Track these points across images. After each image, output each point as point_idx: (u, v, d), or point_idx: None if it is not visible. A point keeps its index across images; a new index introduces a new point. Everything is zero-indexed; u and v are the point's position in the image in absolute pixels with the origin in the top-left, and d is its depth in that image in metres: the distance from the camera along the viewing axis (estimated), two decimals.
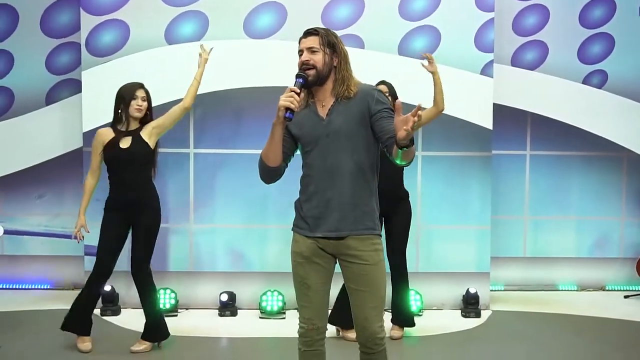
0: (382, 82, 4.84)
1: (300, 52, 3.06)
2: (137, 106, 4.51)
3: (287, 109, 2.89)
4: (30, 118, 6.09)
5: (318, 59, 3.00)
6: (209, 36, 5.58)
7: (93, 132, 5.53)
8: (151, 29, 5.58)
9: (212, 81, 5.56)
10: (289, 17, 5.61)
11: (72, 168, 5.98)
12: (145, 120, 4.58)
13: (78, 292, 4.65)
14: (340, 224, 2.99)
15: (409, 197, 4.92)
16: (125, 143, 4.49)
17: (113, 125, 4.58)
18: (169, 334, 4.69)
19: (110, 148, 4.49)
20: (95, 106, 5.56)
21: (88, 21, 5.55)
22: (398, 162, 2.79)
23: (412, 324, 4.97)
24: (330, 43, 3.03)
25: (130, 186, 4.51)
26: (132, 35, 5.57)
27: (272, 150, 3.00)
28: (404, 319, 4.94)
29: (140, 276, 4.61)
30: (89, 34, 5.56)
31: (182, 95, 4.69)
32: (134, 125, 4.56)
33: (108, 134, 4.55)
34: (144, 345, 4.60)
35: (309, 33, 3.07)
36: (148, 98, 4.58)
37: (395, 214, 4.81)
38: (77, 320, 4.57)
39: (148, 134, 4.53)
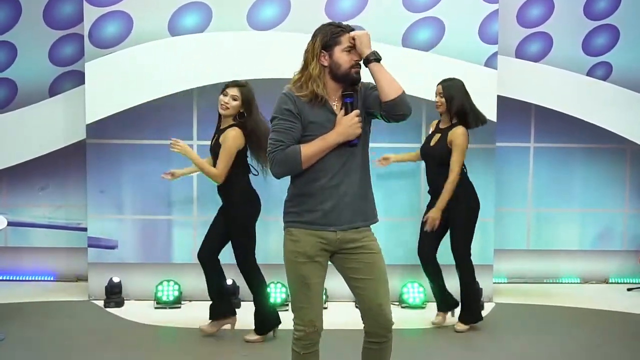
0: (440, 82, 4.94)
1: (349, 47, 3.03)
2: (222, 102, 4.52)
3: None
4: (33, 110, 6.09)
5: (349, 58, 3.04)
6: (212, 28, 5.57)
7: (96, 124, 5.58)
8: (154, 20, 5.56)
9: (216, 73, 5.55)
10: (292, 9, 5.59)
11: (76, 160, 5.98)
12: (242, 123, 4.53)
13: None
14: (355, 217, 3.04)
15: (466, 195, 4.90)
16: (214, 140, 4.60)
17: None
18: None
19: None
20: (98, 98, 5.56)
21: (91, 13, 5.54)
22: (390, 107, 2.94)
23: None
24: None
25: (219, 185, 4.61)
26: (135, 27, 5.56)
27: (316, 160, 2.98)
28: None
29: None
30: (92, 26, 5.55)
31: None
32: (225, 123, 4.57)
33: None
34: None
35: (340, 28, 3.07)
36: (243, 98, 4.51)
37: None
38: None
39: (223, 137, 4.51)
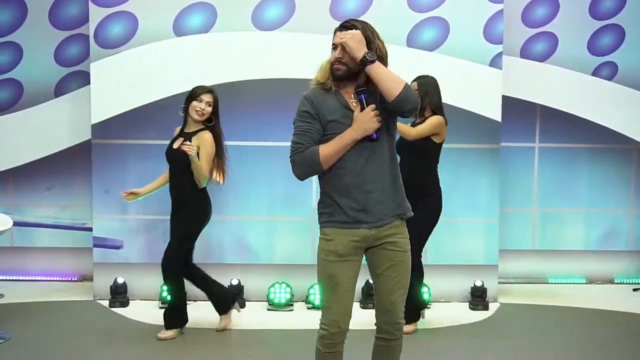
0: (415, 79, 4.85)
1: (334, 46, 3.01)
2: (198, 108, 4.59)
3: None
4: (39, 110, 6.11)
5: (349, 56, 2.96)
6: (216, 28, 5.58)
7: (102, 124, 5.59)
8: (159, 20, 5.57)
9: (221, 73, 5.56)
10: (297, 9, 5.59)
11: (81, 160, 5.99)
12: (210, 127, 4.65)
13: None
14: (387, 212, 3.04)
15: (433, 193, 4.86)
16: (177, 143, 4.61)
17: (183, 125, 4.71)
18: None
19: (168, 146, 4.65)
20: (104, 98, 5.58)
21: (96, 13, 5.55)
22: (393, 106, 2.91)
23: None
24: (368, 40, 2.96)
25: (173, 185, 4.71)
26: (140, 27, 5.57)
27: (336, 159, 2.98)
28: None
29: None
30: (98, 26, 5.56)
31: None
32: (192, 128, 4.65)
33: (176, 131, 4.69)
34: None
35: (345, 27, 3.01)
36: (215, 104, 4.64)
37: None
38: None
39: (196, 142, 4.58)
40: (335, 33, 3.04)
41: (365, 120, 2.94)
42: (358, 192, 2.99)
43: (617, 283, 6.44)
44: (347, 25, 3.01)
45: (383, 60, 2.99)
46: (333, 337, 3.05)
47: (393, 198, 3.06)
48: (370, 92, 2.98)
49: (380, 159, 3.02)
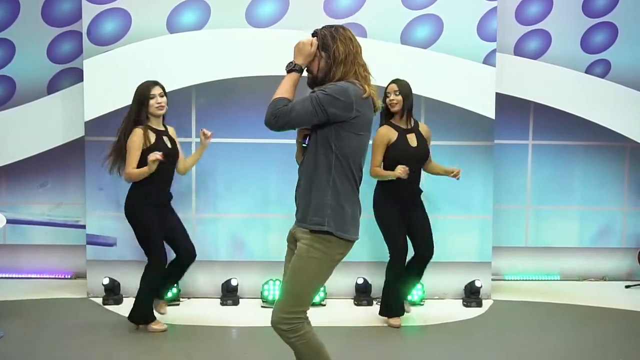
0: (394, 81, 4.88)
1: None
2: (157, 104, 4.60)
3: (305, 135, 3.09)
4: (32, 107, 6.08)
5: (314, 64, 3.08)
6: (210, 25, 5.57)
7: (95, 121, 5.57)
8: (153, 17, 5.56)
9: (214, 70, 5.55)
10: (291, 6, 5.58)
11: (74, 157, 5.98)
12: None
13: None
14: (299, 215, 3.18)
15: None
16: (168, 143, 4.69)
17: (141, 124, 4.61)
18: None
19: (161, 149, 4.57)
20: (97, 95, 5.56)
21: (89, 10, 5.54)
22: None
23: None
24: (325, 45, 3.05)
25: (170, 182, 4.77)
26: (133, 24, 5.55)
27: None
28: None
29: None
30: (91, 23, 5.54)
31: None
32: (157, 124, 4.68)
33: (149, 134, 4.61)
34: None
35: (312, 35, 3.12)
36: (165, 93, 4.69)
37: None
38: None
39: (174, 135, 4.81)
40: None
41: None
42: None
43: (610, 280, 6.45)
44: (312, 34, 3.13)
45: (341, 63, 3.03)
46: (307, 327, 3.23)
47: (302, 205, 3.10)
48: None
49: (307, 166, 3.08)
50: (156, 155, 4.41)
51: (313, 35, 3.12)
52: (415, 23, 5.65)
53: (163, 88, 4.68)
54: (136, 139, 4.53)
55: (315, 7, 5.56)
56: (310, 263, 3.04)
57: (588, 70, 6.32)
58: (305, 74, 3.13)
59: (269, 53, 5.55)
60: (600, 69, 6.32)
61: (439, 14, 5.64)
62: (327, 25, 3.14)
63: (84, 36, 5.56)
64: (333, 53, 3.02)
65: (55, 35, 6.05)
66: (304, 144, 3.10)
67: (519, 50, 6.26)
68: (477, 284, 5.59)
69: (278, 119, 2.95)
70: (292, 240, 3.22)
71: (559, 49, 6.27)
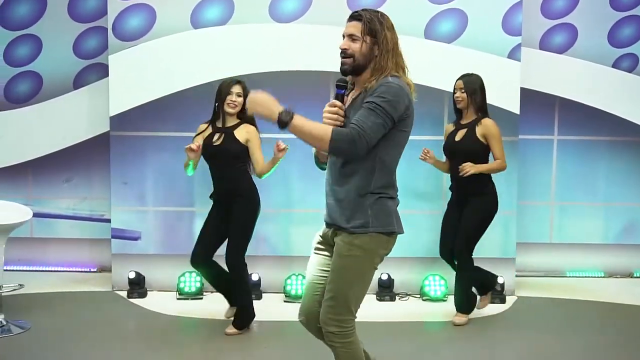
0: (461, 77, 4.92)
1: (343, 36, 2.93)
2: (230, 101, 4.59)
3: None
4: (58, 102, 6.15)
5: (356, 47, 2.86)
6: (234, 20, 5.59)
7: (120, 116, 5.62)
8: (177, 13, 5.59)
9: (238, 65, 5.56)
10: (314, 1, 5.58)
11: (100, 152, 6.03)
12: (249, 119, 4.64)
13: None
14: (332, 219, 3.01)
15: (487, 192, 4.95)
16: (218, 140, 4.61)
17: (212, 121, 4.68)
18: (254, 315, 4.81)
19: (205, 144, 4.61)
20: (122, 90, 5.61)
21: (115, 5, 5.58)
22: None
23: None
24: (373, 31, 2.84)
25: (225, 179, 4.66)
26: (158, 20, 5.59)
27: (308, 140, 2.86)
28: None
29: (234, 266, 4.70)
30: (116, 19, 5.59)
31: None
32: (230, 122, 4.64)
33: (206, 130, 4.66)
34: (233, 330, 4.69)
35: (352, 17, 2.90)
36: (244, 94, 4.58)
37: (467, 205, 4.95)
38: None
39: (242, 135, 4.62)
40: (346, 23, 2.96)
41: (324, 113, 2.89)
42: (326, 190, 3.03)
43: (637, 277, 6.38)
44: (354, 15, 2.92)
45: (389, 52, 2.87)
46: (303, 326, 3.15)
47: (336, 208, 2.94)
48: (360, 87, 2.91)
49: (344, 168, 2.90)
50: (189, 145, 4.51)
51: (356, 17, 2.90)
52: (439, 17, 5.61)
53: (244, 87, 4.62)
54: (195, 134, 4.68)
55: (338, 2, 5.54)
56: (354, 262, 2.90)
57: (615, 65, 6.23)
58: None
59: (292, 48, 5.55)
60: (628, 63, 6.24)
61: (464, 8, 5.59)
62: (368, 9, 2.94)
63: (110, 32, 5.60)
64: (382, 41, 2.84)
65: (81, 31, 6.11)
66: None
67: (544, 45, 6.19)
68: (500, 280, 5.54)
69: (356, 145, 2.73)
70: (324, 243, 3.06)
71: (586, 43, 6.19)
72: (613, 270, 6.41)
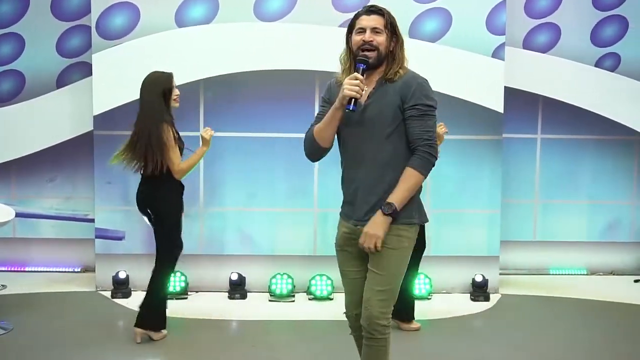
0: None
1: (361, 30, 2.95)
2: (175, 96, 4.53)
3: (352, 99, 2.81)
4: (41, 101, 6.10)
5: (381, 40, 2.94)
6: (219, 19, 5.57)
7: (103, 115, 5.59)
8: (161, 12, 5.56)
9: (223, 64, 5.55)
10: (299, 0, 5.57)
11: (83, 151, 5.99)
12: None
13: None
14: (367, 214, 2.94)
15: None
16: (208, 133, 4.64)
17: (165, 118, 4.43)
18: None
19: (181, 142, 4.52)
20: (106, 89, 5.57)
21: (98, 4, 5.54)
22: None
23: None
24: (393, 25, 2.99)
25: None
26: (142, 18, 5.56)
27: (329, 133, 2.96)
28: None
29: None
30: (100, 17, 5.55)
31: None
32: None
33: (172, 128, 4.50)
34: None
35: (372, 11, 2.98)
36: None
37: None
38: None
39: None
40: (358, 17, 3.00)
41: (344, 86, 2.83)
42: (350, 187, 3.03)
43: (619, 274, 6.43)
44: (375, 10, 3.00)
45: (402, 45, 3.01)
46: (350, 320, 3.16)
47: (373, 199, 2.94)
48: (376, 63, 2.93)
49: (370, 154, 2.94)
50: (211, 131, 4.51)
51: (377, 11, 3.00)
52: (423, 17, 5.63)
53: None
54: (170, 135, 4.38)
55: (323, 1, 5.54)
56: (404, 253, 2.99)
57: (598, 64, 6.28)
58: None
59: (277, 47, 5.55)
60: (610, 63, 6.29)
61: (448, 7, 5.61)
62: (381, 7, 3.05)
63: (93, 30, 5.57)
64: (399, 36, 3.00)
65: (65, 30, 6.06)
66: (351, 109, 2.82)
67: (528, 44, 6.22)
68: (478, 278, 5.57)
69: (434, 156, 2.96)
70: (350, 241, 3.03)
71: (569, 42, 6.23)
72: (596, 268, 6.46)
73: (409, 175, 2.89)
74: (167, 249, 4.50)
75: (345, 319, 3.20)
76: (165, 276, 4.54)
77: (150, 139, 4.33)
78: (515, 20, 6.07)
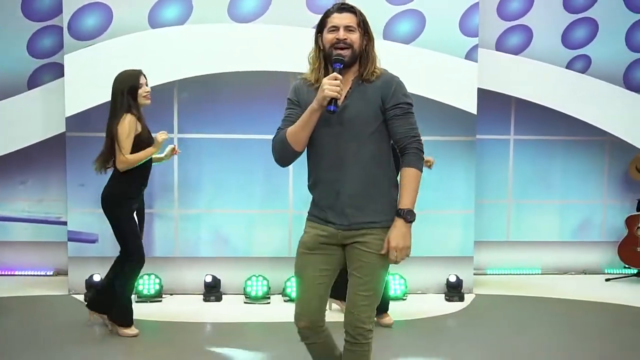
0: None
1: (334, 28, 2.90)
2: (145, 93, 4.51)
3: (332, 99, 2.75)
4: (12, 103, 6.02)
5: (355, 38, 2.90)
6: (193, 20, 5.54)
7: (76, 116, 5.54)
8: (134, 12, 5.52)
9: (197, 65, 5.53)
10: (273, 1, 5.57)
11: (55, 153, 5.93)
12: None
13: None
14: (352, 217, 2.90)
15: None
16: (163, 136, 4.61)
17: (135, 113, 4.43)
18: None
19: (147, 136, 4.50)
20: (78, 90, 5.52)
21: (70, 4, 5.49)
22: None
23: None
24: (365, 23, 2.96)
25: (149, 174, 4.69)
26: (115, 19, 5.52)
27: (304, 136, 2.86)
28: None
29: None
30: (72, 17, 5.50)
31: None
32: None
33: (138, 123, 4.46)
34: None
35: (344, 9, 2.94)
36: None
37: None
38: None
39: None
40: (329, 15, 2.95)
41: (322, 87, 2.76)
42: (329, 190, 2.92)
43: (590, 274, 6.51)
44: (347, 8, 2.96)
45: (371, 43, 2.97)
46: (301, 331, 3.02)
47: (365, 205, 2.91)
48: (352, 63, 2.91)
49: (356, 155, 2.88)
50: (165, 134, 4.48)
51: (349, 9, 2.95)
52: (397, 18, 5.65)
53: (146, 77, 4.59)
54: (127, 125, 4.35)
55: (298, 2, 5.55)
56: (385, 256, 2.92)
57: (569, 66, 6.36)
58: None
59: (251, 48, 5.54)
60: (581, 65, 6.37)
61: (421, 9, 5.65)
62: (352, 5, 3.01)
63: (65, 31, 5.51)
64: (370, 35, 2.97)
65: (36, 30, 5.99)
66: (331, 110, 2.76)
67: (500, 46, 6.29)
68: (452, 279, 5.61)
69: (422, 150, 2.95)
70: (328, 243, 2.96)
71: (540, 44, 6.31)
72: (568, 267, 6.54)
73: (412, 176, 2.89)
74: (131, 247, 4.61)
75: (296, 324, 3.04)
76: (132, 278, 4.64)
77: (113, 133, 4.38)
78: (488, 22, 6.13)
